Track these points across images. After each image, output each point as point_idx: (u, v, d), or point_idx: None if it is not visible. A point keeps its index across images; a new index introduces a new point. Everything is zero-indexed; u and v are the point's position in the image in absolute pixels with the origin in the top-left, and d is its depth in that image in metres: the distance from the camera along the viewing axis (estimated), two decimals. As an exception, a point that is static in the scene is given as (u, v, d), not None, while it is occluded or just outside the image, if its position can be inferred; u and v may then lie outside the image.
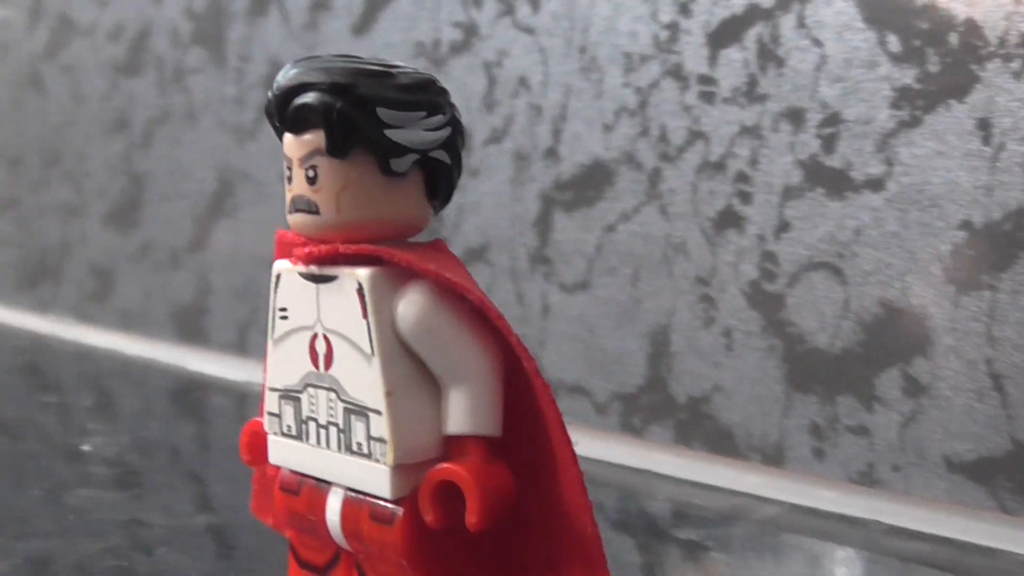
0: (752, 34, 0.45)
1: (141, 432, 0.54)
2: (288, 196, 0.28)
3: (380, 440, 0.26)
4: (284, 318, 0.28)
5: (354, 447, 0.27)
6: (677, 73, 0.47)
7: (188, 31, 0.70)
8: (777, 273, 0.45)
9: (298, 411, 0.28)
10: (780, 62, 0.44)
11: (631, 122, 0.49)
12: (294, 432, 0.29)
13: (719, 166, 0.46)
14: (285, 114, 0.27)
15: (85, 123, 0.79)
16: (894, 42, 0.41)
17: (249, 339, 0.67)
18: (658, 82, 0.48)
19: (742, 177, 0.46)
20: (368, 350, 0.26)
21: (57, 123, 0.82)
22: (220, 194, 0.69)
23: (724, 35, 0.46)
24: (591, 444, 0.50)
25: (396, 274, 0.27)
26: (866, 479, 0.42)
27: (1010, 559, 0.39)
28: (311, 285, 0.28)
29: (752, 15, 0.45)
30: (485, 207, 0.54)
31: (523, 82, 0.53)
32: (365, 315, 0.26)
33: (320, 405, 0.28)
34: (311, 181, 0.27)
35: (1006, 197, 0.39)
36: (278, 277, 0.29)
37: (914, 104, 0.41)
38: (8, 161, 0.88)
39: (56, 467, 0.46)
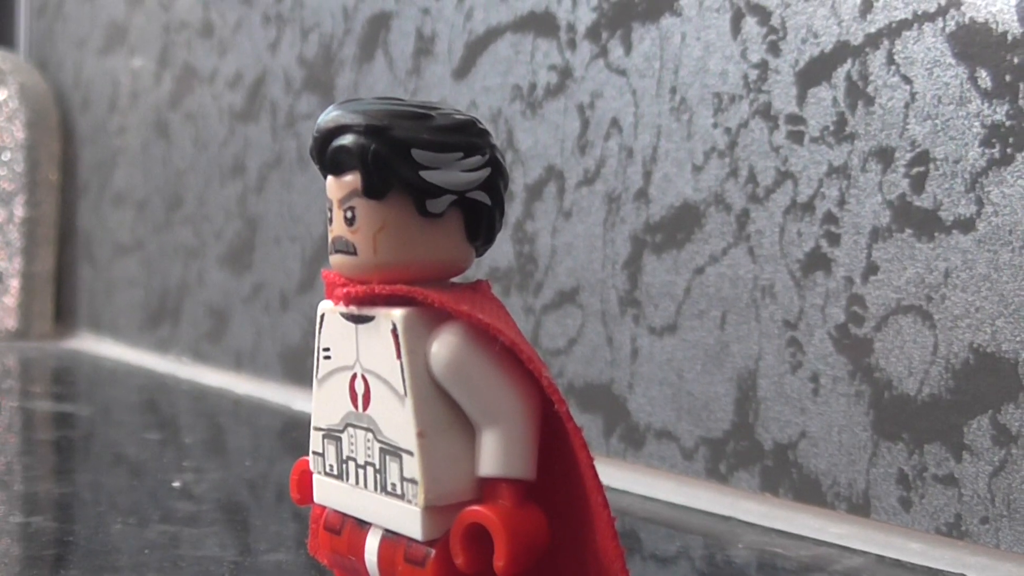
0: (841, 72, 0.44)
1: (234, 469, 0.55)
2: (329, 237, 0.28)
3: (412, 481, 0.26)
4: (327, 358, 0.29)
5: (389, 487, 0.27)
6: (766, 113, 0.46)
7: (300, 78, 0.72)
8: (865, 317, 0.43)
9: (339, 451, 0.28)
10: (869, 100, 0.43)
11: (720, 163, 0.48)
12: (335, 472, 0.29)
13: (807, 207, 0.45)
14: (324, 156, 0.27)
15: (205, 168, 0.82)
16: (985, 78, 0.40)
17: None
18: (747, 122, 0.47)
19: (830, 218, 0.44)
20: (401, 390, 0.26)
21: (180, 168, 0.85)
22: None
23: (813, 73, 0.45)
24: (677, 489, 0.50)
25: (431, 315, 0.27)
26: (954, 531, 0.40)
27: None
28: (351, 325, 0.28)
29: (841, 53, 0.44)
30: (577, 249, 0.54)
31: (615, 123, 0.52)
32: (399, 355, 0.26)
33: (359, 445, 0.28)
34: (349, 222, 0.27)
35: (1102, 238, 0.37)
36: (322, 317, 0.29)
37: (1005, 141, 0.39)
38: (136, 205, 0.91)
39: (144, 502, 0.47)
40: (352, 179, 0.27)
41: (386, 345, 0.27)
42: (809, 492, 0.45)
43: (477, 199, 0.27)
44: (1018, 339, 0.39)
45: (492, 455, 0.26)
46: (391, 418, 0.27)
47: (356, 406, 0.28)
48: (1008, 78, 0.39)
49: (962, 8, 0.41)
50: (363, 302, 0.27)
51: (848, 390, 0.44)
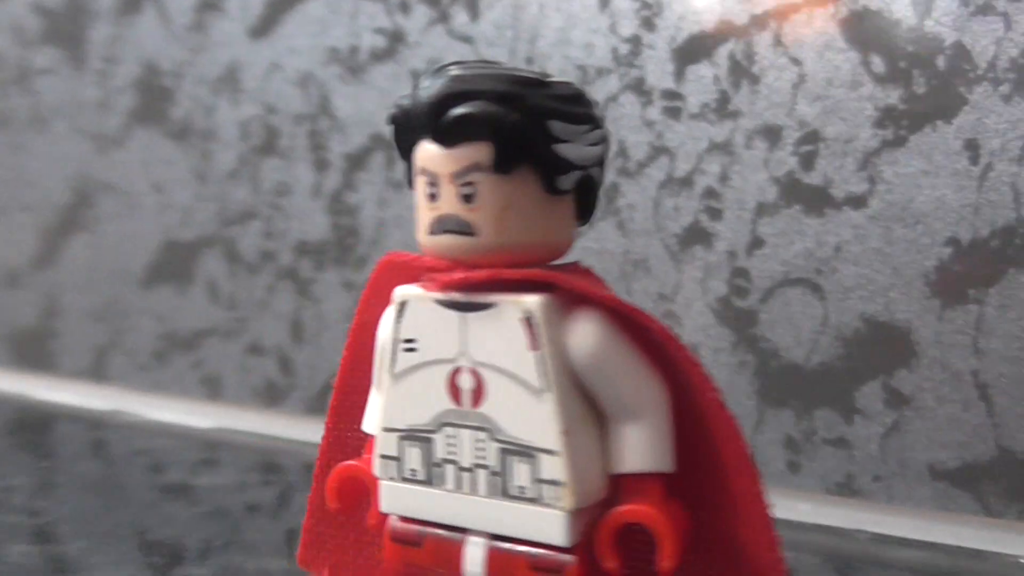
0: (723, 51, 0.45)
1: (38, 474, 0.48)
2: (429, 215, 0.25)
3: (553, 483, 0.24)
4: (411, 350, 0.26)
5: (513, 491, 0.25)
6: (639, 88, 0.46)
7: (37, 28, 0.64)
8: (750, 289, 0.44)
9: (428, 453, 0.26)
10: (755, 79, 0.44)
11: (584, 136, 0.48)
12: (421, 477, 0.26)
13: (685, 182, 0.46)
14: (437, 125, 0.24)
15: None
16: (878, 63, 0.42)
17: (109, 364, 0.62)
18: (617, 96, 0.47)
19: (711, 193, 0.45)
20: (537, 385, 0.24)
21: None
22: (76, 206, 0.63)
23: (692, 51, 0.45)
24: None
25: (562, 301, 0.24)
26: (845, 490, 0.43)
27: (999, 560, 0.40)
28: (453, 314, 0.25)
29: (724, 31, 0.45)
30: (408, 222, 0.52)
31: (456, 92, 0.50)
32: (534, 347, 0.24)
33: (463, 446, 0.25)
34: (467, 199, 0.24)
35: (993, 215, 0.40)
36: (402, 305, 0.26)
37: (899, 124, 0.42)
38: None
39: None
40: (470, 151, 0.24)
41: (513, 335, 0.24)
42: (689, 462, 0.46)
43: (592, 175, 0.25)
44: (911, 309, 0.41)
45: (639, 449, 0.24)
46: (519, 415, 0.24)
47: (460, 403, 0.25)
48: (903, 64, 0.42)
49: (855, -6, 0.42)
50: (482, 288, 0.25)
51: (731, 360, 0.45)
